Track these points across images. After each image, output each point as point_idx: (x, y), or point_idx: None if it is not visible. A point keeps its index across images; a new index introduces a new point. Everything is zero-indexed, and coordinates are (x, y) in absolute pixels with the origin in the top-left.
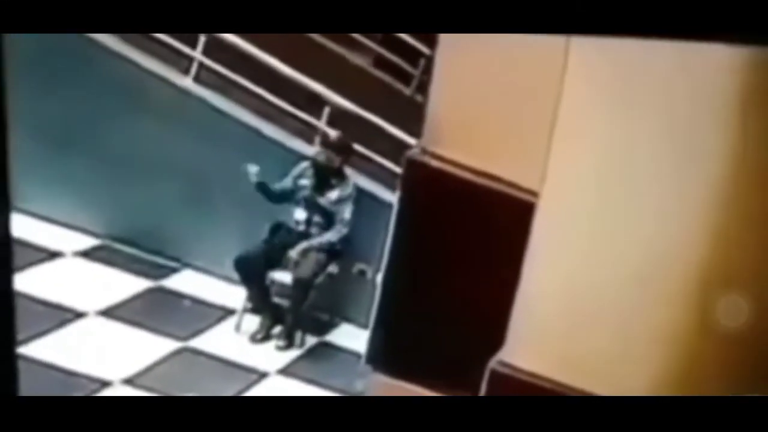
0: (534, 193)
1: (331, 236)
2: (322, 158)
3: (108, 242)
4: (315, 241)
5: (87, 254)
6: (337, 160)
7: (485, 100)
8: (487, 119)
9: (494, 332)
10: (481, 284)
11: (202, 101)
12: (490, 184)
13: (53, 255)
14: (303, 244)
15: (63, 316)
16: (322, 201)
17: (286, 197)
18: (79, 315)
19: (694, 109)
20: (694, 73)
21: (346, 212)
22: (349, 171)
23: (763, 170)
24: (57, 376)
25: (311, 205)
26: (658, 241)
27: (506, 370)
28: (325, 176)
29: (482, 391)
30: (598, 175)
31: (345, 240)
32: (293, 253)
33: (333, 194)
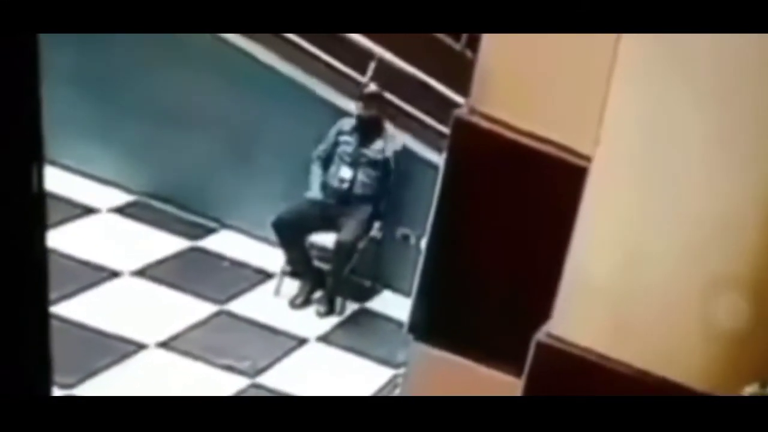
0: (588, 158)
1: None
2: (361, 110)
3: (143, 199)
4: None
5: (122, 211)
6: (372, 110)
7: (538, 58)
8: (540, 78)
9: (541, 304)
10: (529, 253)
11: (243, 54)
12: (542, 147)
13: (88, 211)
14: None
15: (97, 275)
16: (369, 152)
17: (331, 158)
18: (114, 274)
19: (744, 82)
20: (743, 46)
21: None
22: (390, 128)
23: None
24: (90, 337)
25: (356, 162)
26: (710, 216)
27: (553, 342)
28: (366, 128)
29: (528, 363)
30: (650, 143)
31: (388, 201)
32: (336, 212)
33: (378, 144)
